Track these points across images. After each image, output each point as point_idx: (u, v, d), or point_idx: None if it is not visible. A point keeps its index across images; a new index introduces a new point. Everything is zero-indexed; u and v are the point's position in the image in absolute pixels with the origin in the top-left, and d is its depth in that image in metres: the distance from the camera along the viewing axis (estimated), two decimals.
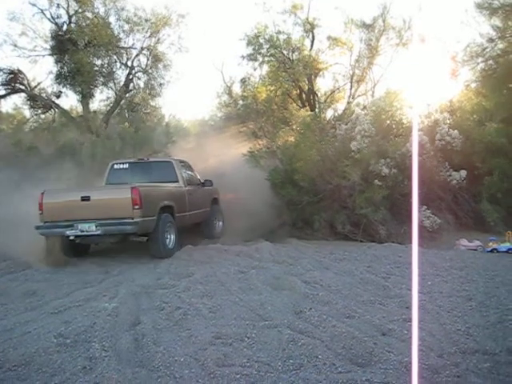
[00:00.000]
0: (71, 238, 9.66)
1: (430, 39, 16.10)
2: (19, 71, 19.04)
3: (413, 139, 11.18)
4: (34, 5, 18.14)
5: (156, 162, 12.18)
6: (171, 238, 10.23)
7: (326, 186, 12.49)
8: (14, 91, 19.45)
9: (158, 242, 9.75)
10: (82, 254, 10.50)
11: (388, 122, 12.96)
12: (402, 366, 4.11)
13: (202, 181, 12.58)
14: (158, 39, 19.26)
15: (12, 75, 18.96)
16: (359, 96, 18.86)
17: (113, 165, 11.79)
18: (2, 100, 19.69)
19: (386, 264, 8.62)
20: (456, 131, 12.41)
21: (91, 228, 9.25)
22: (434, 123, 12.82)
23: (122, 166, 11.68)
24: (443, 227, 11.69)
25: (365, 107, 15.45)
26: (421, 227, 10.74)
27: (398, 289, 6.75)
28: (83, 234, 9.40)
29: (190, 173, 12.35)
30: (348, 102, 18.41)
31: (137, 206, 9.16)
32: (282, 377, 4.06)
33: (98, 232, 9.26)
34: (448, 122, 12.70)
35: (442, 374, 3.98)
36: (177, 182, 11.35)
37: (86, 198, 9.39)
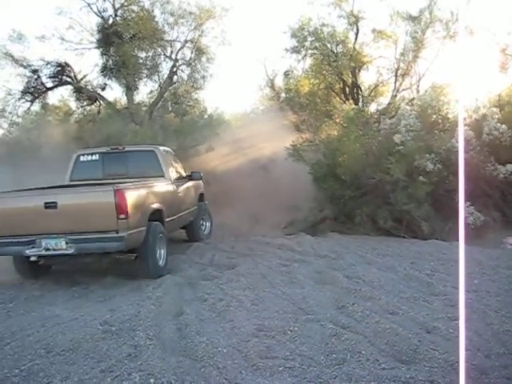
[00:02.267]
0: (33, 258, 7.50)
1: (479, 31, 15.69)
2: (66, 64, 19.39)
3: (459, 134, 10.98)
4: None
5: (135, 151, 9.74)
6: (161, 254, 8.00)
7: (368, 181, 12.36)
8: (61, 83, 19.83)
9: (148, 261, 7.54)
10: (44, 274, 8.15)
11: (434, 116, 12.73)
12: (447, 364, 4.05)
13: (189, 173, 10.74)
14: (202, 32, 19.28)
15: (59, 68, 19.32)
16: (404, 90, 18.48)
17: (78, 156, 9.58)
18: (50, 92, 20.10)
19: (429, 261, 8.49)
20: (504, 126, 12.07)
21: (60, 245, 6.97)
22: (481, 118, 12.51)
23: (90, 158, 9.52)
24: (489, 224, 11.41)
25: (411, 101, 15.19)
26: (465, 224, 10.50)
27: (442, 286, 6.65)
28: (49, 253, 7.06)
29: (175, 164, 10.36)
30: (392, 96, 18.11)
31: (122, 215, 6.90)
32: (325, 371, 4.05)
33: (70, 251, 6.97)
34: (496, 116, 12.36)
35: (490, 375, 3.90)
36: (162, 176, 9.19)
37: (51, 205, 6.95)
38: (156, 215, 8.01)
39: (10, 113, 19.19)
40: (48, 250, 7.02)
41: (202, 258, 9.08)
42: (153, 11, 18.99)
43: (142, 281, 7.34)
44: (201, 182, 11.55)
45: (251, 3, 36.25)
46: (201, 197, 11.57)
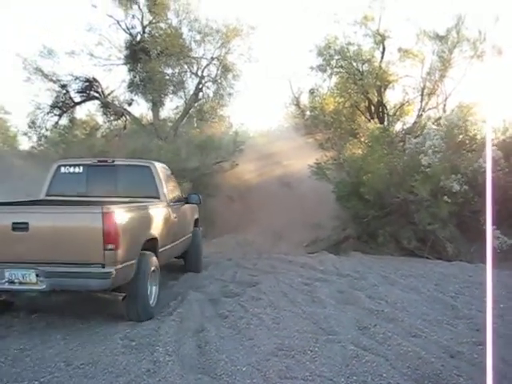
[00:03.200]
0: None
1: (507, 50, 15.57)
2: (94, 79, 19.78)
3: (486, 154, 10.84)
4: (110, 16, 18.84)
5: (126, 165, 8.22)
6: (153, 291, 6.54)
7: (392, 200, 12.28)
8: (89, 98, 20.20)
9: (137, 301, 6.05)
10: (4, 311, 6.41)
11: (460, 136, 12.61)
12: None
13: (185, 195, 9.31)
14: (228, 49, 19.48)
15: (87, 83, 19.71)
16: (430, 109, 18.38)
17: (59, 167, 8.03)
18: (78, 107, 20.47)
19: (454, 283, 8.35)
20: None
21: (29, 278, 5.42)
22: (509, 138, 12.36)
23: (72, 170, 7.99)
24: None
25: (437, 120, 15.06)
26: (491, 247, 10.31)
27: (467, 309, 6.52)
28: (13, 287, 5.51)
29: (172, 184, 8.84)
30: (418, 116, 18.02)
31: (111, 245, 5.41)
32: None
33: (41, 287, 5.43)
34: None
35: None
36: (157, 198, 7.69)
37: (20, 226, 5.43)
38: (149, 245, 6.49)
39: (39, 126, 19.60)
40: (12, 283, 5.46)
41: (223, 275, 9.06)
42: (180, 28, 19.31)
43: (162, 297, 7.33)
44: (195, 206, 9.85)
45: (278, 21, 36.56)
46: (196, 222, 10.01)
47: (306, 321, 5.97)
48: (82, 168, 7.99)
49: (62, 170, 7.98)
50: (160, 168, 8.19)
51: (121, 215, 5.70)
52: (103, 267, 5.40)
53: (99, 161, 8.24)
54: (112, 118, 20.98)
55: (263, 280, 8.42)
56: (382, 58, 18.34)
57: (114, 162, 8.12)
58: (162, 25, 19.29)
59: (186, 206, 9.05)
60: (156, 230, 6.87)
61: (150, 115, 21.45)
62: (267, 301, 6.93)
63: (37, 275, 5.40)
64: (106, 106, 20.29)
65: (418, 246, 11.91)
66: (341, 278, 8.72)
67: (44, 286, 5.41)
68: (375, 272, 9.35)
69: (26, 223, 5.41)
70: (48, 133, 19.97)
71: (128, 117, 20.60)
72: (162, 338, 5.21)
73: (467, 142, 12.68)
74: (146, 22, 19.24)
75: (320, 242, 13.16)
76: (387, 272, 9.40)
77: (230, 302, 6.88)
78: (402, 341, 5.08)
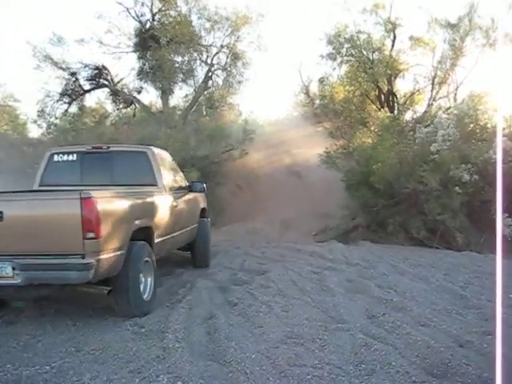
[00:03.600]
0: None
1: None
2: (104, 67, 19.82)
3: (497, 144, 10.78)
4: (120, 3, 18.83)
5: (122, 151, 7.79)
6: (148, 283, 6.08)
7: (402, 190, 12.24)
8: (98, 86, 20.26)
9: (128, 295, 5.55)
10: None
11: (471, 126, 12.52)
12: (480, 380, 3.94)
13: (189, 183, 8.71)
14: (238, 37, 19.46)
15: (97, 71, 19.76)
16: (440, 98, 18.30)
17: (52, 155, 7.61)
18: (87, 94, 20.52)
19: (463, 273, 8.34)
20: None
21: (5, 272, 4.99)
22: None
23: (66, 158, 7.55)
24: None
25: (447, 110, 14.96)
26: (501, 236, 10.29)
27: (476, 299, 6.50)
28: None
29: (173, 171, 8.30)
30: (428, 105, 17.93)
31: (91, 234, 4.98)
32: (354, 381, 3.99)
33: (17, 280, 4.98)
34: None
35: None
36: (154, 185, 7.15)
37: None
38: (142, 234, 6.02)
39: (49, 114, 19.70)
40: None
41: (232, 263, 9.09)
42: (190, 16, 19.30)
43: (173, 284, 7.37)
44: (203, 194, 9.34)
45: (288, 9, 36.37)
46: (202, 212, 9.32)
47: (315, 309, 5.98)
48: (75, 156, 7.51)
49: (56, 158, 7.54)
50: (158, 154, 7.62)
51: (103, 201, 5.19)
52: (83, 258, 4.94)
53: (93, 147, 7.68)
54: (121, 105, 21.03)
55: (272, 268, 8.44)
56: (393, 46, 18.25)
57: (109, 148, 7.65)
58: (172, 12, 19.26)
59: (191, 194, 8.46)
60: (150, 218, 6.40)
61: (159, 103, 21.49)
62: (276, 289, 6.94)
63: (13, 268, 4.96)
64: (116, 93, 20.34)
65: (428, 235, 11.88)
66: (350, 266, 8.73)
67: (20, 280, 4.96)
68: (384, 261, 9.35)
69: (0, 212, 4.93)
70: (57, 121, 20.06)
71: (137, 105, 20.65)
72: (172, 325, 5.23)
73: (478, 131, 12.59)
74: (155, 10, 19.23)
75: (329, 231, 13.17)
76: (396, 261, 9.39)
77: (239, 289, 6.89)
78: (410, 330, 5.08)
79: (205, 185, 8.68)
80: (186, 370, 4.11)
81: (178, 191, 7.87)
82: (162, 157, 7.89)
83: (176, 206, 7.52)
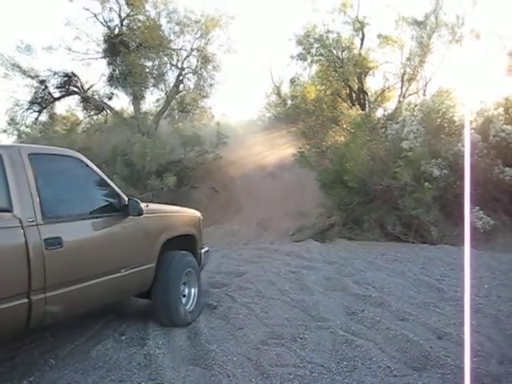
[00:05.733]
0: None
1: (485, 35, 15.68)
2: (73, 74, 19.66)
3: (465, 137, 10.95)
4: (87, 9, 18.68)
5: None
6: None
7: (376, 187, 12.35)
8: (68, 93, 20.08)
9: None
10: None
11: (439, 120, 12.69)
12: (460, 371, 3.99)
13: (125, 201, 4.97)
14: (208, 40, 19.45)
15: (66, 78, 19.59)
16: (410, 95, 18.49)
17: None
18: (57, 102, 20.31)
19: (439, 266, 8.44)
20: (511, 127, 11.98)
21: None
22: (487, 120, 12.45)
23: None
24: (499, 229, 11.34)
25: (415, 106, 15.13)
26: (473, 229, 10.46)
27: (453, 291, 6.59)
28: None
29: (79, 184, 4.89)
30: (399, 101, 18.10)
31: None
32: (336, 378, 4.02)
33: None
34: (503, 118, 12.27)
35: (503, 382, 3.85)
36: (7, 211, 3.81)
37: None
38: None
39: (18, 123, 19.41)
40: None
41: (209, 266, 9.05)
42: (159, 20, 19.20)
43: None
44: (193, 214, 6.68)
45: (256, 11, 36.49)
46: (190, 240, 6.28)
47: (295, 309, 5.99)
48: None
49: None
50: (26, 156, 4.11)
51: None
52: None
53: None
54: (92, 112, 20.89)
55: (250, 269, 8.44)
56: (362, 44, 18.42)
57: None
58: (141, 17, 19.18)
59: (132, 219, 5.00)
60: None
61: (130, 109, 21.39)
62: (255, 290, 6.94)
63: None
64: (86, 100, 20.17)
65: (403, 230, 12.01)
66: (327, 265, 8.77)
67: None
68: (361, 258, 9.42)
69: None
70: (28, 129, 19.80)
71: (109, 111, 20.51)
72: (152, 331, 5.19)
73: (446, 125, 12.76)
74: (123, 15, 19.14)
75: (305, 230, 13.23)
76: (373, 257, 9.47)
77: (218, 292, 6.87)
78: (390, 325, 5.13)
79: (141, 206, 4.97)
80: (168, 376, 4.08)
81: (83, 217, 4.54)
82: (40, 157, 4.35)
83: (59, 246, 4.05)
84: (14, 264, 3.76)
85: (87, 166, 4.83)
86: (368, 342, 4.67)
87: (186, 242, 6.12)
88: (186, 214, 6.56)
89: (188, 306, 5.73)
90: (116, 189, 5.04)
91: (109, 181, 5.03)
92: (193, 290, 5.91)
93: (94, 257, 4.58)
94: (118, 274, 4.79)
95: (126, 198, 5.00)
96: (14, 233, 3.77)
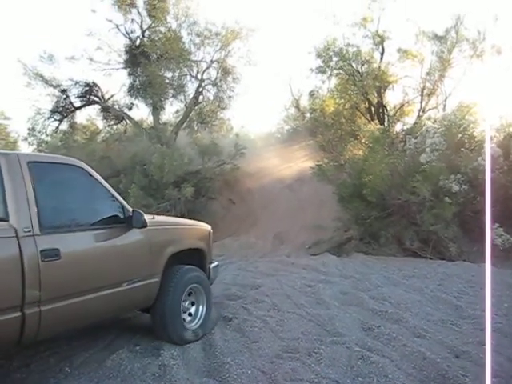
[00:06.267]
0: None
1: (507, 50, 15.60)
2: (94, 84, 19.91)
3: (485, 152, 10.85)
4: (110, 21, 18.95)
5: None
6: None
7: (394, 201, 12.26)
8: (89, 103, 20.32)
9: None
10: None
11: (459, 135, 12.60)
12: None
13: (130, 212, 4.86)
14: (228, 52, 19.57)
15: (87, 88, 19.84)
16: (430, 110, 18.41)
17: None
18: (78, 111, 20.55)
19: (457, 283, 8.34)
20: None
21: None
22: (507, 136, 12.34)
23: None
24: None
25: (435, 121, 15.05)
26: (493, 246, 10.33)
27: (471, 309, 6.50)
28: None
29: (82, 193, 4.80)
30: (418, 116, 18.03)
31: None
32: None
33: None
34: None
35: None
36: (4, 220, 3.80)
37: None
38: None
39: (39, 131, 19.69)
40: None
41: (225, 278, 9.05)
42: (180, 32, 19.37)
43: None
44: (200, 227, 6.44)
45: (277, 24, 36.68)
46: (199, 255, 6.07)
47: (311, 323, 5.96)
48: None
49: None
50: (25, 163, 4.05)
51: None
52: None
53: None
54: (112, 122, 21.10)
55: (266, 282, 8.41)
56: (382, 58, 18.39)
57: None
58: (162, 28, 19.38)
59: (136, 231, 4.88)
60: None
61: (150, 119, 21.55)
62: (270, 303, 6.91)
63: None
64: (106, 110, 20.39)
65: (421, 246, 11.88)
66: (344, 279, 8.72)
67: None
68: (378, 273, 9.35)
69: None
70: (48, 138, 20.06)
71: (128, 121, 20.70)
72: (166, 342, 5.19)
73: (466, 140, 12.66)
74: (145, 26, 19.36)
75: (322, 244, 13.16)
76: (390, 273, 9.39)
77: (234, 304, 6.85)
78: (406, 341, 5.08)
79: (145, 218, 4.87)
80: None
81: (84, 228, 4.45)
82: (39, 164, 4.25)
83: (56, 258, 3.98)
84: (6, 275, 3.67)
85: (90, 175, 4.72)
86: (384, 359, 4.63)
87: (194, 257, 5.94)
88: (194, 227, 6.32)
89: (193, 324, 5.55)
90: (120, 200, 4.93)
91: (113, 191, 4.92)
92: (200, 308, 5.69)
93: (94, 269, 4.45)
94: (120, 288, 4.67)
95: (131, 210, 4.87)
96: (7, 243, 3.71)
